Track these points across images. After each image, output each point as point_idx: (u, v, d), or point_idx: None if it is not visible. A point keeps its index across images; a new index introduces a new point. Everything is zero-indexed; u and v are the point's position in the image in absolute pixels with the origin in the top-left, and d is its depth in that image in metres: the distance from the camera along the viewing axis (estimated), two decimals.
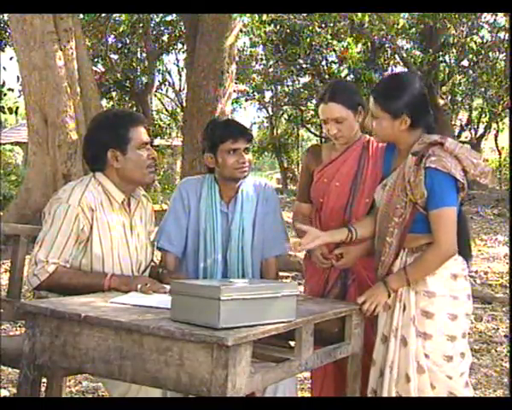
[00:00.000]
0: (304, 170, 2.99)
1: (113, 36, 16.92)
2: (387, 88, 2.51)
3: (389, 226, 2.44)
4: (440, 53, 16.26)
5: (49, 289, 2.46)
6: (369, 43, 17.06)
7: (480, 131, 21.39)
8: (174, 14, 15.43)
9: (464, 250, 2.44)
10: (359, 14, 11.84)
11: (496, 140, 22.35)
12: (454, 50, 16.68)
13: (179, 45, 17.83)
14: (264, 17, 15.29)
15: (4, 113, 10.42)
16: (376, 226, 2.52)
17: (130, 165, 2.49)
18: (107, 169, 2.50)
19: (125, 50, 17.54)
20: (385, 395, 2.41)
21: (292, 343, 2.21)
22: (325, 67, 18.26)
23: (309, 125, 23.50)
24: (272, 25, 16.34)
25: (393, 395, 2.39)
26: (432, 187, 2.34)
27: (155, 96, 20.65)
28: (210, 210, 2.85)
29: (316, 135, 23.48)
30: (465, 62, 16.94)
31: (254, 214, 2.90)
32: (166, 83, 20.02)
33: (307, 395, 3.71)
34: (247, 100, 21.27)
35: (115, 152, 2.47)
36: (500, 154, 22.34)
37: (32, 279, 2.43)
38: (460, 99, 18.68)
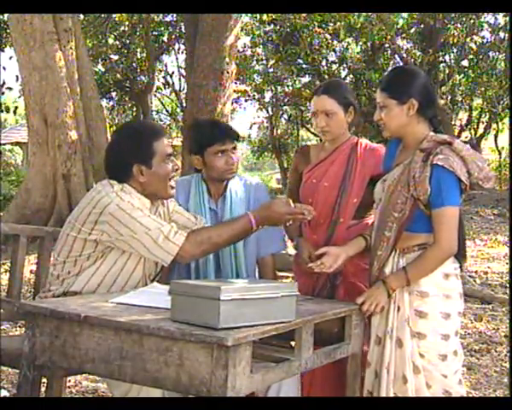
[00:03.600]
0: (292, 171, 3.02)
1: (113, 36, 16.92)
2: (392, 77, 2.57)
3: (388, 221, 2.44)
4: (440, 53, 16.26)
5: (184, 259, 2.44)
6: (369, 43, 17.06)
7: (480, 131, 21.38)
8: (174, 14, 15.43)
9: (459, 251, 2.45)
10: (355, 16, 11.84)
11: (496, 140, 22.34)
12: (454, 50, 16.68)
13: (179, 45, 17.84)
14: (265, 17, 15.30)
15: (2, 111, 10.44)
16: (375, 221, 2.53)
17: (155, 178, 2.49)
18: (131, 181, 2.49)
19: (125, 50, 17.54)
20: (383, 396, 2.41)
21: (292, 343, 2.21)
22: (325, 67, 18.26)
23: (309, 126, 23.49)
24: (272, 25, 16.35)
25: (392, 396, 2.40)
26: (437, 185, 2.34)
27: (155, 96, 20.64)
28: (199, 208, 2.87)
29: (316, 135, 23.46)
30: (465, 62, 16.94)
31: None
32: (167, 84, 20.02)
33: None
34: (246, 100, 21.26)
35: (140, 167, 2.47)
36: (500, 154, 22.33)
37: (167, 247, 2.34)
38: (460, 99, 18.69)
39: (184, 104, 14.46)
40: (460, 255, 2.47)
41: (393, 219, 2.43)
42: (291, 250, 7.40)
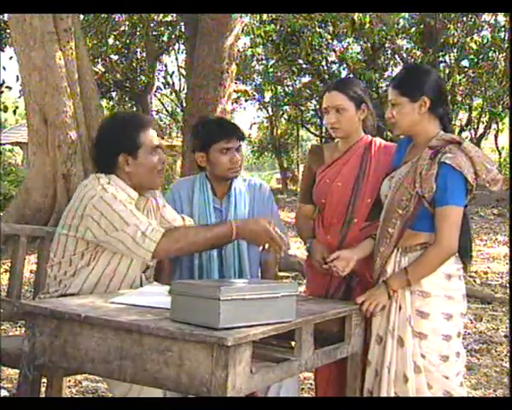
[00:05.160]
0: (306, 171, 2.98)
1: (113, 36, 16.92)
2: (405, 75, 2.57)
3: (392, 218, 2.44)
4: (440, 53, 16.25)
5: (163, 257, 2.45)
6: (369, 44, 17.04)
7: (480, 131, 21.37)
8: (174, 14, 15.43)
9: (465, 251, 2.44)
10: (360, 15, 11.84)
11: (496, 140, 22.34)
12: (454, 50, 16.67)
13: (179, 45, 17.85)
14: (265, 17, 15.29)
15: (1, 110, 10.42)
16: (381, 217, 2.52)
17: (141, 169, 2.49)
18: (118, 172, 2.49)
19: (125, 50, 17.54)
20: (383, 395, 2.40)
21: (292, 343, 2.21)
22: (325, 67, 18.25)
23: (309, 126, 23.49)
24: (272, 25, 16.34)
25: (392, 395, 2.39)
26: (443, 183, 2.33)
27: (155, 96, 20.64)
28: (203, 207, 2.86)
29: (316, 135, 23.46)
30: (465, 62, 16.93)
31: (250, 213, 2.90)
32: (167, 84, 20.02)
33: (306, 395, 3.71)
34: (246, 100, 21.27)
35: (126, 157, 2.47)
36: (500, 154, 22.33)
37: (144, 244, 2.32)
38: (460, 99, 18.68)
39: (184, 104, 14.45)
40: (465, 256, 2.45)
41: (397, 215, 2.42)
42: (291, 251, 7.40)
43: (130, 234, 2.33)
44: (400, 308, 2.41)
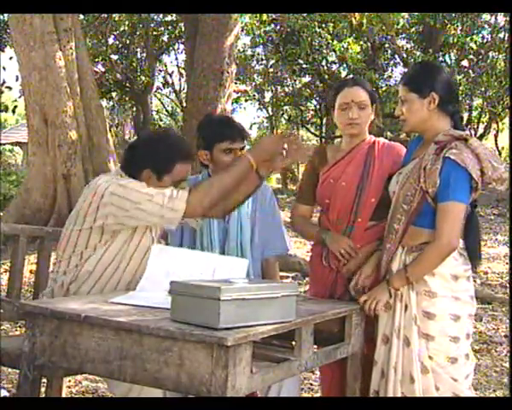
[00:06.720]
0: (308, 171, 2.95)
1: (113, 36, 16.93)
2: (414, 71, 2.58)
3: (397, 213, 2.43)
4: (440, 53, 16.26)
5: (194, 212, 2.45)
6: (369, 43, 17.05)
7: (480, 131, 21.37)
8: (174, 15, 15.43)
9: (473, 252, 2.42)
10: (358, 15, 11.84)
11: (496, 140, 22.34)
12: (454, 50, 16.68)
13: (179, 45, 17.85)
14: (264, 17, 15.30)
15: (1, 110, 10.42)
16: (389, 214, 2.51)
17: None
18: (137, 178, 2.49)
19: (125, 50, 17.55)
20: (390, 396, 2.38)
21: (293, 343, 2.21)
22: (325, 68, 18.26)
23: (309, 125, 23.49)
24: (272, 25, 16.35)
25: (399, 396, 2.37)
26: (446, 178, 2.31)
27: (155, 96, 20.65)
28: None
29: (316, 135, 23.46)
30: (465, 62, 16.93)
31: (253, 213, 2.90)
32: (166, 84, 20.04)
33: (306, 395, 3.72)
34: (246, 100, 21.27)
35: (151, 174, 2.48)
36: (500, 154, 22.31)
37: (174, 206, 2.35)
38: (460, 99, 18.67)
39: (184, 104, 14.46)
40: (474, 257, 2.43)
41: (402, 211, 2.41)
42: (291, 251, 7.40)
43: (157, 202, 2.35)
44: (406, 308, 2.39)
